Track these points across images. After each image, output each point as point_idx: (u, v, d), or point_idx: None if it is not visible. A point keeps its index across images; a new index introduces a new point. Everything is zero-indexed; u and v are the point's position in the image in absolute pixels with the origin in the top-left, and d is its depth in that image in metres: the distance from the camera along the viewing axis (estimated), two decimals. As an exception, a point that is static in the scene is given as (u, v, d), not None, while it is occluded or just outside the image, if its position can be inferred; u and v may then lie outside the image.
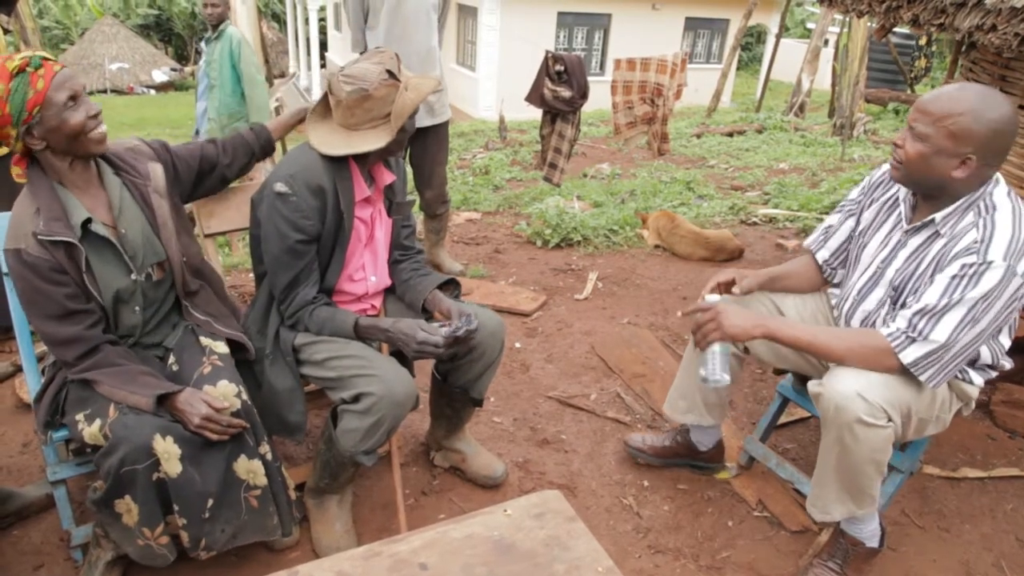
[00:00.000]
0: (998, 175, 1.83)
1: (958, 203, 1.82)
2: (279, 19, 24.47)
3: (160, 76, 21.56)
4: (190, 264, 2.00)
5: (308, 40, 19.48)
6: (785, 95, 14.62)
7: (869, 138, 9.27)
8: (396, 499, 2.17)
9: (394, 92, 1.95)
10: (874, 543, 2.08)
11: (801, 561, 2.18)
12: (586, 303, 3.90)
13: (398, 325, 2.01)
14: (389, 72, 1.95)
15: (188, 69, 21.96)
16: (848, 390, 1.80)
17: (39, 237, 1.69)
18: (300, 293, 2.05)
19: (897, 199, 2.01)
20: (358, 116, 1.96)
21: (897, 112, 11.10)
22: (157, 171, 1.95)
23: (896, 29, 3.13)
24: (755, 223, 5.44)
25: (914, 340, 1.78)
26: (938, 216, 1.85)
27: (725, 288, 2.18)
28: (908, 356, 1.78)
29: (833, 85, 10.82)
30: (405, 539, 1.31)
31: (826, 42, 12.97)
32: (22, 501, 2.23)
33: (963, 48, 3.22)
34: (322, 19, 21.03)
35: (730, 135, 9.66)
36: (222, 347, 1.97)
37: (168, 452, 1.70)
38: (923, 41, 12.23)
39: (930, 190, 1.85)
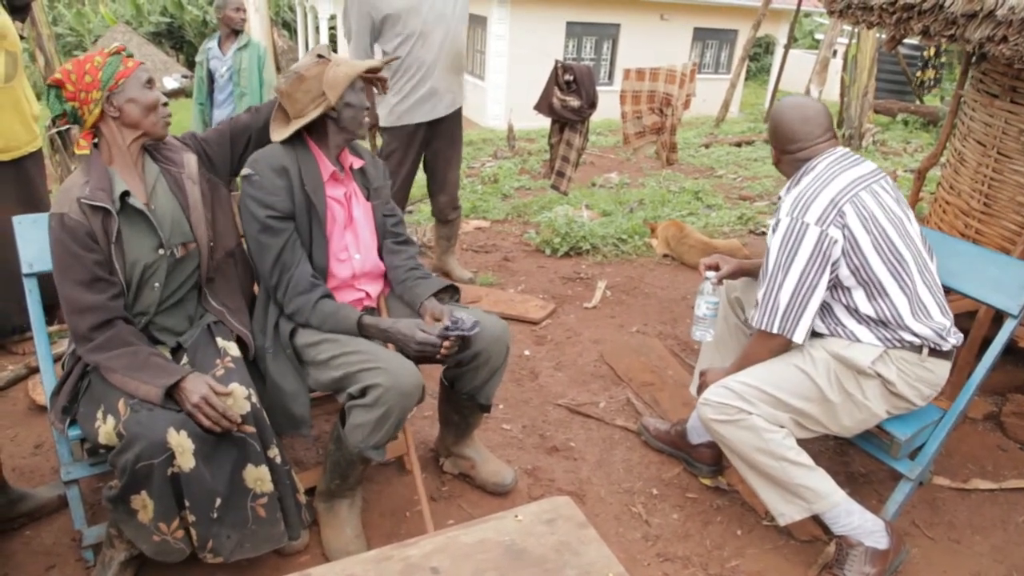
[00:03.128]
0: (840, 147, 2.14)
1: (791, 179, 2.18)
2: (289, 27, 24.61)
3: (171, 83, 21.64)
4: (218, 249, 2.09)
5: (318, 48, 19.56)
6: (794, 106, 14.58)
7: (878, 149, 9.25)
8: (419, 494, 2.17)
9: (324, 69, 2.08)
10: (875, 543, 2.06)
11: (809, 572, 2.17)
12: (595, 311, 3.91)
13: (398, 325, 2.05)
14: (319, 56, 2.10)
15: (199, 76, 22.06)
16: (701, 399, 2.19)
17: (82, 200, 1.85)
18: (292, 276, 2.09)
19: None
20: (300, 100, 2.10)
21: (906, 123, 11.07)
22: (191, 160, 2.11)
23: (906, 40, 3.14)
24: (763, 233, 5.44)
25: (759, 308, 2.09)
26: (782, 191, 2.20)
27: (715, 268, 2.45)
28: (761, 323, 2.09)
29: (842, 96, 10.80)
30: (416, 543, 1.31)
31: (835, 53, 12.97)
32: (35, 502, 2.24)
33: (973, 59, 3.22)
34: (332, 28, 21.12)
35: (738, 145, 9.65)
36: (235, 349, 1.99)
37: (182, 446, 1.73)
38: (931, 52, 12.22)
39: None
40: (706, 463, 2.58)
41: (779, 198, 2.19)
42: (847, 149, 2.14)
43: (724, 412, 2.11)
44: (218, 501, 1.79)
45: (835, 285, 2.07)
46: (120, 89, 1.91)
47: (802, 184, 2.07)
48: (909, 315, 2.03)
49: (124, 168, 1.97)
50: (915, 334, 2.04)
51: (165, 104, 1.99)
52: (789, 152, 2.18)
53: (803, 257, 2.00)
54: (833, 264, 2.01)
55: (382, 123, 3.71)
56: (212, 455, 1.78)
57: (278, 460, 1.91)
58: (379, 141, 3.88)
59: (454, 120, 3.82)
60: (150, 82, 1.97)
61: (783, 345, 2.12)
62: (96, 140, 1.97)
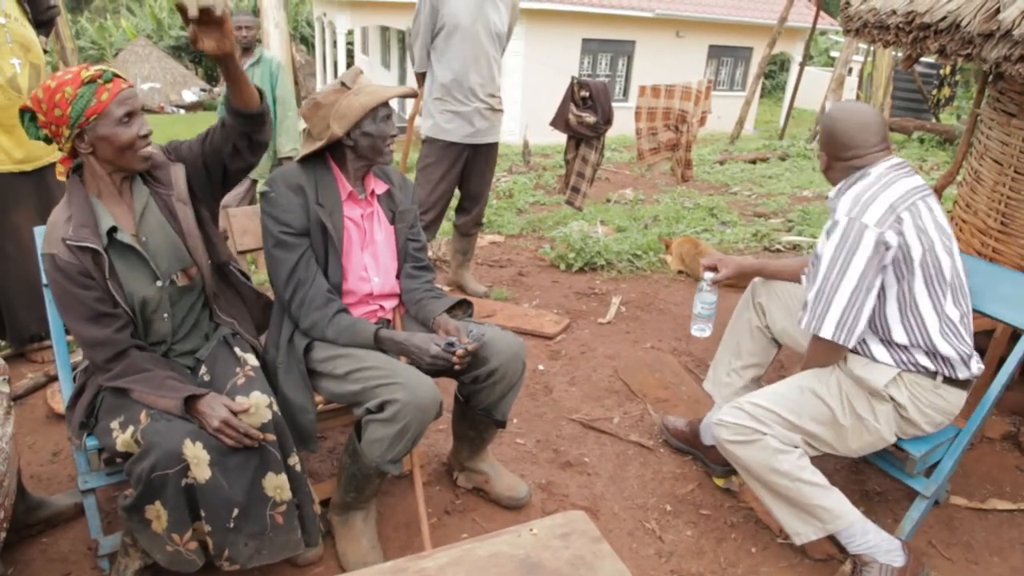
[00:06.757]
0: (894, 156, 2.10)
1: (841, 183, 2.13)
2: (307, 42, 24.87)
3: (190, 96, 21.93)
4: (214, 267, 2.06)
5: (336, 63, 19.79)
6: (809, 123, 14.61)
7: (894, 167, 9.21)
8: (419, 516, 2.17)
9: (339, 98, 2.09)
10: (891, 560, 2.05)
11: (825, 591, 2.16)
12: (609, 327, 3.91)
13: (413, 339, 2.07)
14: (342, 83, 2.10)
15: (217, 90, 22.33)
16: (715, 419, 2.20)
17: (67, 242, 1.79)
18: (308, 292, 2.10)
19: None
20: (317, 124, 2.13)
21: (922, 141, 11.02)
22: (179, 177, 1.99)
23: (922, 58, 3.15)
24: (778, 250, 5.43)
25: (805, 309, 2.05)
26: (830, 194, 2.16)
27: (714, 269, 2.52)
28: (804, 323, 2.05)
29: (857, 114, 10.76)
30: (431, 556, 1.31)
31: (850, 71, 12.96)
32: (52, 509, 2.26)
33: (990, 78, 3.22)
34: (349, 43, 21.33)
35: (753, 162, 9.65)
36: (253, 359, 2.01)
37: (197, 457, 1.74)
38: (947, 71, 12.19)
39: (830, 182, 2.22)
40: (720, 463, 2.61)
41: (827, 198, 2.17)
42: (902, 159, 2.11)
43: (739, 433, 2.12)
44: (235, 511, 1.79)
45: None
46: (91, 126, 1.77)
47: (858, 187, 2.03)
48: (937, 333, 2.02)
49: (109, 196, 1.90)
50: (937, 354, 2.03)
51: (145, 136, 1.84)
52: (843, 159, 2.12)
53: (861, 259, 1.94)
54: (883, 270, 1.98)
55: (423, 133, 3.84)
56: (230, 465, 1.79)
57: (298, 468, 1.93)
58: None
59: (492, 145, 3.97)
60: (129, 116, 1.80)
61: (836, 350, 2.07)
62: (78, 164, 1.89)
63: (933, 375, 2.05)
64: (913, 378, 2.05)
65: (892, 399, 2.05)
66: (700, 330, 2.50)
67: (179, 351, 2.03)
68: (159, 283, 1.93)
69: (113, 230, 1.85)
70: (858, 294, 1.96)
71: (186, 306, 2.02)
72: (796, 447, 2.10)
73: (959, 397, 2.10)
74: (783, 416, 2.10)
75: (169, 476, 1.73)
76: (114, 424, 1.82)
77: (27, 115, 1.83)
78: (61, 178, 1.91)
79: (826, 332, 2.00)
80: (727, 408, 2.18)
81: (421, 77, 3.85)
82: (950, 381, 2.06)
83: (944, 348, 2.02)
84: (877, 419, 2.07)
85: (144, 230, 1.92)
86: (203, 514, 1.77)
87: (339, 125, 2.08)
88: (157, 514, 1.76)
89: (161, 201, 1.97)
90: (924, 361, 2.04)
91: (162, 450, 1.72)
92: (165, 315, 1.96)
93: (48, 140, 1.86)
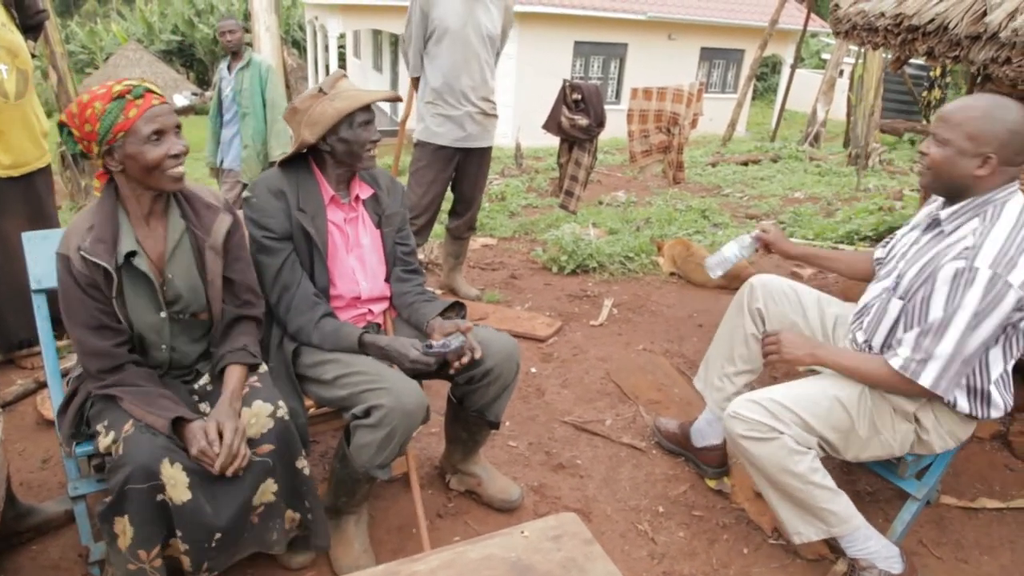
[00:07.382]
0: (1018, 187, 1.91)
1: (965, 202, 1.92)
2: (299, 46, 24.87)
3: (181, 100, 21.89)
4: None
5: (327, 67, 19.79)
6: (800, 125, 14.68)
7: (884, 168, 9.27)
8: (417, 517, 2.17)
9: (314, 103, 2.09)
10: (889, 567, 2.06)
11: (817, 591, 2.16)
12: (601, 329, 3.91)
13: (395, 343, 2.06)
14: (320, 88, 2.10)
15: (208, 93, 22.31)
16: (729, 411, 2.09)
17: (81, 253, 1.77)
18: (293, 296, 2.11)
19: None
20: (295, 129, 2.14)
21: (912, 142, 11.11)
22: (221, 228, 1.94)
23: (912, 60, 3.16)
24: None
25: (926, 361, 1.88)
26: (943, 213, 1.97)
27: (763, 244, 2.50)
28: (927, 379, 1.89)
29: (848, 115, 10.85)
30: (423, 559, 1.31)
31: (841, 72, 13.03)
32: (42, 516, 2.25)
33: (978, 80, 3.24)
34: (341, 46, 21.33)
35: (745, 164, 9.69)
36: (261, 367, 2.01)
37: (175, 479, 1.69)
38: (936, 72, 12.27)
39: (955, 191, 1.95)
40: (711, 465, 2.61)
41: (937, 221, 2.00)
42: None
43: (755, 429, 2.03)
44: (217, 535, 1.74)
45: None
46: (119, 143, 1.74)
47: (998, 232, 1.84)
48: (994, 383, 1.97)
49: (138, 219, 1.86)
50: (984, 399, 1.98)
51: (176, 156, 1.78)
52: (1013, 164, 1.86)
53: (995, 320, 1.80)
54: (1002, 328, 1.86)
55: (415, 136, 3.83)
56: (216, 491, 1.74)
57: (306, 471, 1.91)
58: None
59: (485, 150, 3.96)
60: (158, 134, 1.75)
61: (904, 391, 1.98)
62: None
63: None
64: (942, 406, 2.02)
65: (917, 420, 2.03)
66: (716, 267, 2.51)
67: (175, 374, 2.02)
68: (162, 314, 1.90)
69: (131, 254, 1.81)
70: (978, 352, 1.86)
71: (188, 339, 1.99)
72: (810, 449, 2.04)
73: (973, 427, 2.10)
74: (803, 418, 2.02)
75: (139, 491, 1.68)
76: (100, 427, 1.80)
77: (65, 129, 1.80)
78: (97, 194, 1.88)
79: (929, 383, 1.88)
80: (742, 402, 2.09)
81: (416, 81, 3.85)
82: (971, 416, 2.05)
83: (995, 396, 1.99)
84: (894, 435, 2.04)
85: (172, 267, 1.88)
86: (179, 534, 1.71)
87: (311, 132, 2.07)
88: (123, 529, 1.70)
89: (194, 242, 1.92)
90: (962, 402, 1.98)
91: (137, 463, 1.67)
92: (163, 346, 1.94)
93: (85, 156, 1.83)
